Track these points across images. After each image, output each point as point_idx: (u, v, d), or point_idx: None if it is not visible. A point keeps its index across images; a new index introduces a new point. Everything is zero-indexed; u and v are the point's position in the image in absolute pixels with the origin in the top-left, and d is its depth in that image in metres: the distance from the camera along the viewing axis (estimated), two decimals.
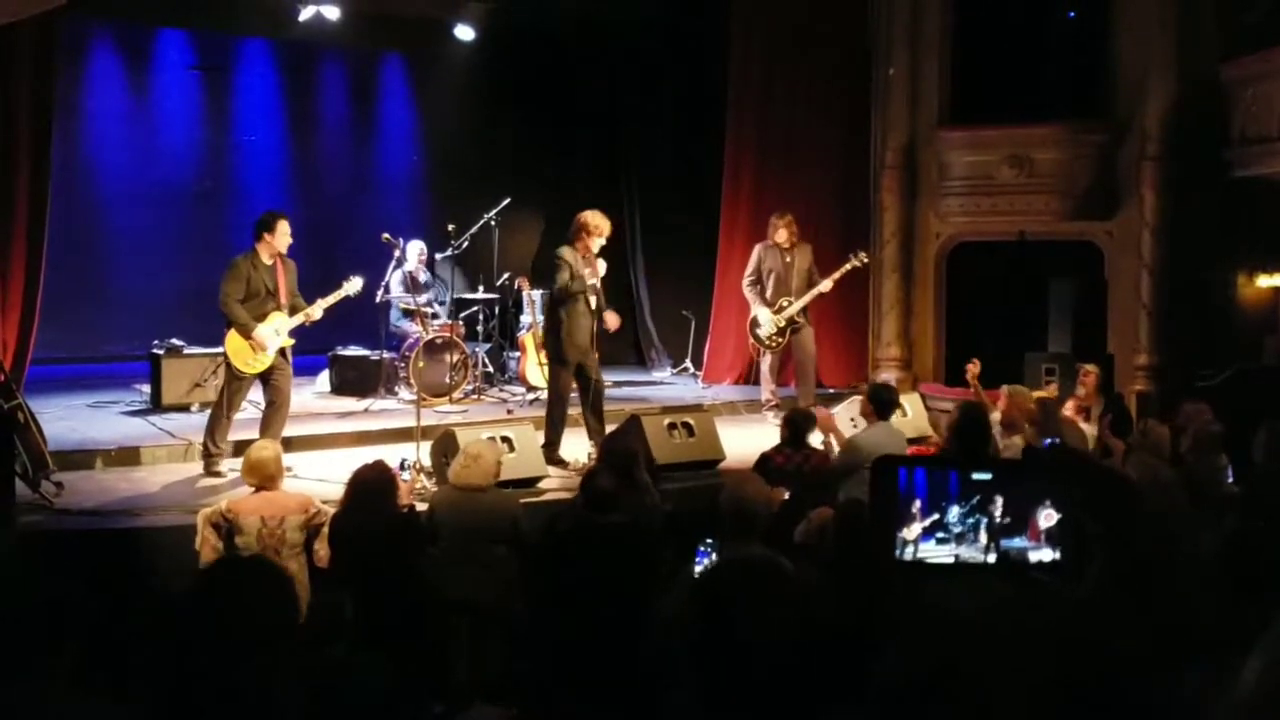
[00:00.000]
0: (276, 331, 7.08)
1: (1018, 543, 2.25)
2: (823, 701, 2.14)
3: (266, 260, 7.10)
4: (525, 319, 10.33)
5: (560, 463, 7.47)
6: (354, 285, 7.63)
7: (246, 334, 6.97)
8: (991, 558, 2.23)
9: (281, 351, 7.13)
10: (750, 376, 10.71)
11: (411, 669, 4.04)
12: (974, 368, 7.35)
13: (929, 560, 2.24)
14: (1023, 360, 9.12)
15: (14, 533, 5.61)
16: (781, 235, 9.28)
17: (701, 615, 2.16)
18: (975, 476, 2.24)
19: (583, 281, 7.47)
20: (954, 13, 10.47)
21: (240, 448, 6.68)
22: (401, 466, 6.48)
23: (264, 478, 5.15)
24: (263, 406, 7.35)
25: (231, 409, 7.13)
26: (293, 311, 7.19)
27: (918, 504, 2.23)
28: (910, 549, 2.22)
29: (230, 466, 6.97)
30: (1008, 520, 2.23)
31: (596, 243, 7.62)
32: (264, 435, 6.87)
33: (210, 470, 7.07)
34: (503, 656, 4.97)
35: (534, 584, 4.99)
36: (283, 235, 7.11)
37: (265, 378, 7.15)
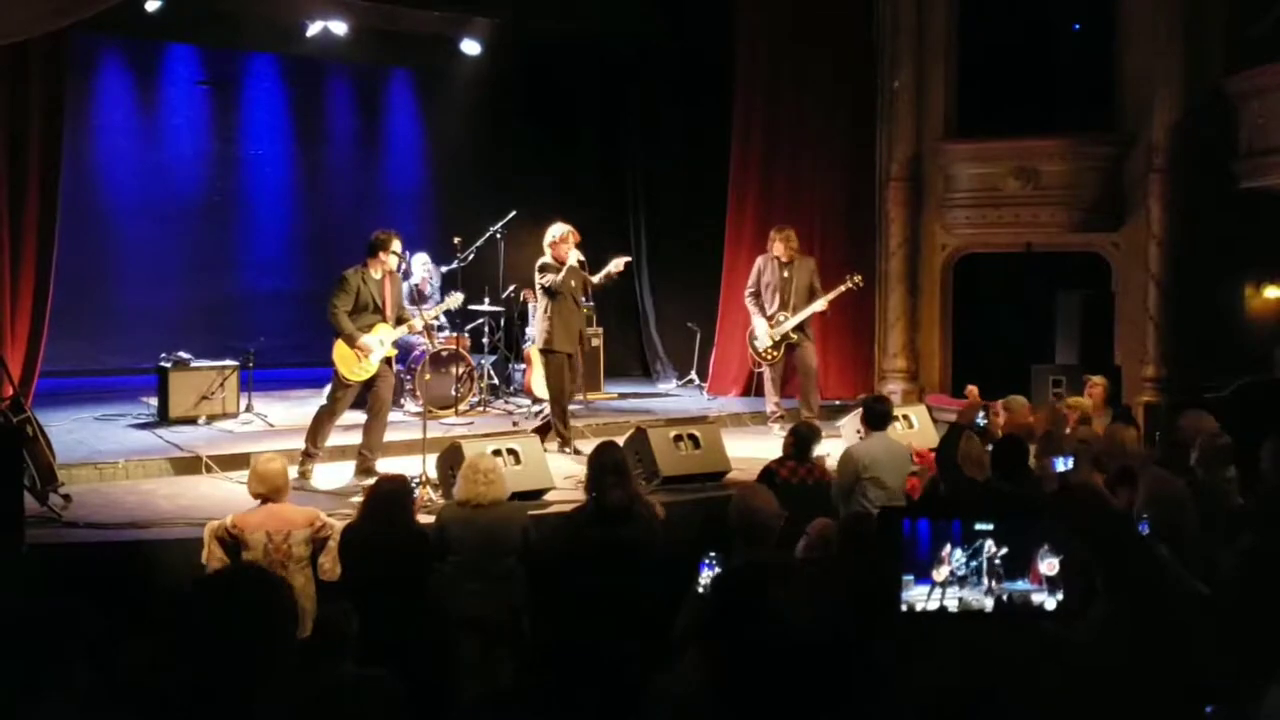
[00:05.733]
0: (381, 342, 7.42)
1: (1020, 585, 2.29)
2: (823, 704, 2.14)
3: (376, 275, 7.46)
4: (531, 331, 10.33)
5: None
6: (455, 299, 8.50)
7: (352, 343, 7.30)
8: (991, 601, 2.27)
9: (386, 361, 7.49)
10: (755, 388, 10.69)
11: (418, 683, 4.03)
12: (973, 390, 7.90)
13: (933, 606, 2.28)
14: (1029, 372, 9.11)
15: (22, 546, 5.59)
16: (778, 249, 9.22)
17: (720, 610, 2.15)
18: (978, 526, 2.29)
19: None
20: (959, 25, 10.50)
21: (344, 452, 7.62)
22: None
23: (272, 489, 5.14)
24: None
25: (335, 413, 7.48)
26: (398, 323, 7.57)
27: (948, 549, 2.27)
28: (940, 591, 2.27)
29: (320, 469, 7.40)
30: (1009, 564, 2.27)
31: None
32: (365, 442, 7.45)
33: (301, 472, 7.21)
34: (512, 670, 4.96)
35: (544, 596, 4.98)
36: (395, 255, 7.52)
37: (369, 384, 7.49)
